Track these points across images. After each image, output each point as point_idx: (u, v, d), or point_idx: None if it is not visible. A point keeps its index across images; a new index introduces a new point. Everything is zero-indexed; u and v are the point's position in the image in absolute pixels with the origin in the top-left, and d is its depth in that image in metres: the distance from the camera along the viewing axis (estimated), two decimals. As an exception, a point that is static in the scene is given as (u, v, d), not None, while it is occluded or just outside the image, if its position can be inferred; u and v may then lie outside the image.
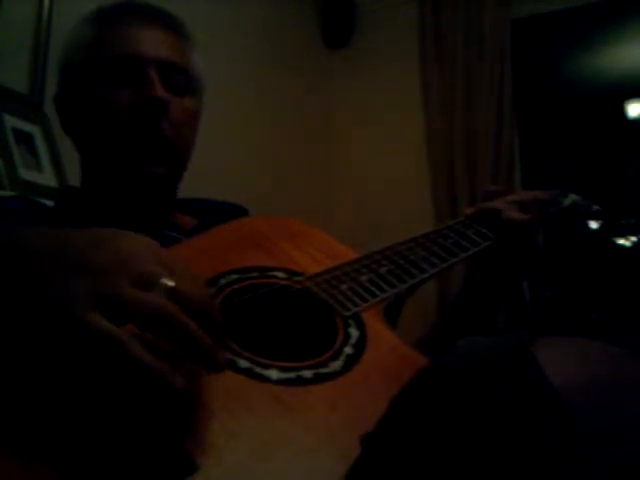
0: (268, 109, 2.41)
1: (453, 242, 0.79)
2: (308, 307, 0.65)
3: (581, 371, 0.46)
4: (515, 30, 2.50)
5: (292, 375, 0.52)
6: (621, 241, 0.99)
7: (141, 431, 0.42)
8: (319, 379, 0.53)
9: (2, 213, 0.76)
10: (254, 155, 2.31)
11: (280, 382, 0.51)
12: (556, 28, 2.57)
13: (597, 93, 2.52)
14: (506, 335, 0.50)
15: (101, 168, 0.81)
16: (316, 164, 2.71)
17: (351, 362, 0.56)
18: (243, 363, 0.52)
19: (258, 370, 0.52)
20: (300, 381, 0.52)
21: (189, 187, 0.91)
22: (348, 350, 0.58)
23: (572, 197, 0.95)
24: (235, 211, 0.92)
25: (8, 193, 1.27)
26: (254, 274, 0.66)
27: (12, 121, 1.45)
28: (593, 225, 0.96)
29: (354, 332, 0.61)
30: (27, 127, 1.49)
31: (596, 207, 0.97)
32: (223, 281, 0.64)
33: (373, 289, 0.67)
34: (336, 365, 0.55)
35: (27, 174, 1.42)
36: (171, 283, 0.44)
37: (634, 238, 0.99)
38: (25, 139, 1.47)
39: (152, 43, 0.78)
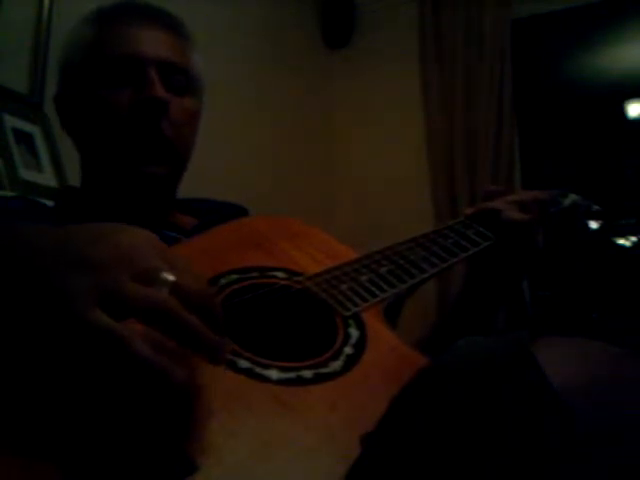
0: (268, 109, 2.41)
1: (453, 242, 0.79)
2: (308, 307, 0.65)
3: (581, 371, 0.46)
4: (515, 30, 2.50)
5: (292, 375, 0.52)
6: (621, 241, 0.99)
7: (141, 431, 0.42)
8: (319, 379, 0.53)
9: (2, 213, 0.76)
10: (254, 155, 2.31)
11: (280, 382, 0.51)
12: (556, 28, 2.57)
13: (597, 93, 2.52)
14: (506, 335, 0.50)
15: (101, 168, 0.81)
16: (316, 164, 2.71)
17: (351, 362, 0.56)
18: (243, 363, 0.52)
19: (258, 370, 0.52)
20: (300, 381, 0.52)
21: (189, 187, 0.91)
22: (348, 350, 0.58)
23: (572, 197, 0.95)
24: (235, 211, 0.92)
25: (8, 193, 1.27)
26: (254, 274, 0.66)
27: (12, 121, 1.45)
28: (593, 225, 0.96)
29: (354, 332, 0.61)
30: (27, 127, 1.49)
31: (596, 207, 0.97)
32: (223, 281, 0.63)
33: (373, 289, 0.67)
34: (336, 365, 0.55)
35: (27, 174, 1.42)
36: (172, 278, 0.45)
37: (634, 238, 0.99)
38: (25, 139, 1.47)
39: (152, 43, 0.78)
